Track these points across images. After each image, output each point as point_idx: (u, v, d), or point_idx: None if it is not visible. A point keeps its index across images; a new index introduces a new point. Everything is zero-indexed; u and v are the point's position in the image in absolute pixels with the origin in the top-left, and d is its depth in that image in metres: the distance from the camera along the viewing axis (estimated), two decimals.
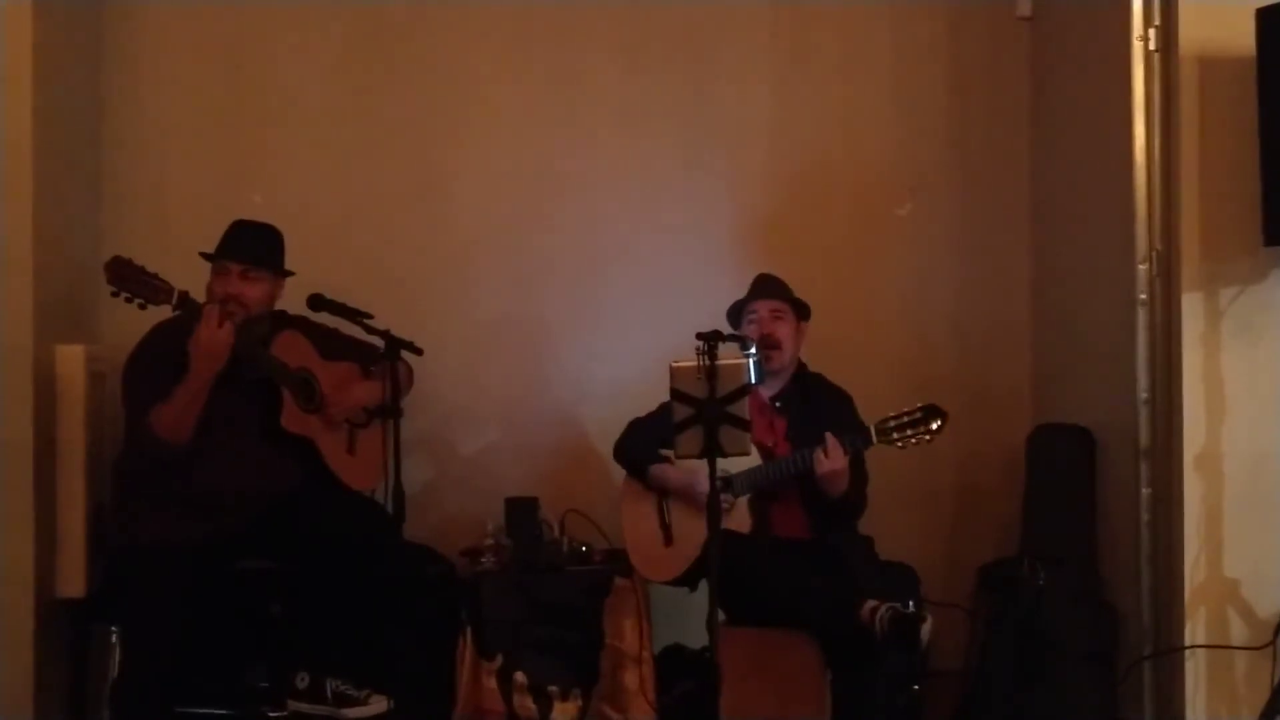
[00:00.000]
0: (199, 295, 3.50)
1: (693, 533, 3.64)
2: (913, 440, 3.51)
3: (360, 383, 3.81)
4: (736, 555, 3.28)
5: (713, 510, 2.98)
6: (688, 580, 3.73)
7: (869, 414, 3.58)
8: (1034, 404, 4.35)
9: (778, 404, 3.82)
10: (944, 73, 4.43)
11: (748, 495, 3.63)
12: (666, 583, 3.77)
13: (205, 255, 3.60)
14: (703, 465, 3.42)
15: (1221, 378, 3.40)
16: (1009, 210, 4.41)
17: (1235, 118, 3.33)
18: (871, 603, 3.32)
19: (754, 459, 3.53)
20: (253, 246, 3.61)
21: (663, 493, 3.75)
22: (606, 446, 3.92)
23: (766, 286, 3.84)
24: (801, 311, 3.84)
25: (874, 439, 3.53)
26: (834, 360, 4.06)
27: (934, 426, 3.50)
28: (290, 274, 3.70)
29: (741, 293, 3.87)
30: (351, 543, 3.52)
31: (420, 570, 3.84)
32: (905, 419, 3.51)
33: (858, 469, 3.64)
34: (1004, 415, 4.35)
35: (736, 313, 3.82)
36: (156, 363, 3.49)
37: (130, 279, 3.37)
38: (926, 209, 4.41)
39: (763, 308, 3.77)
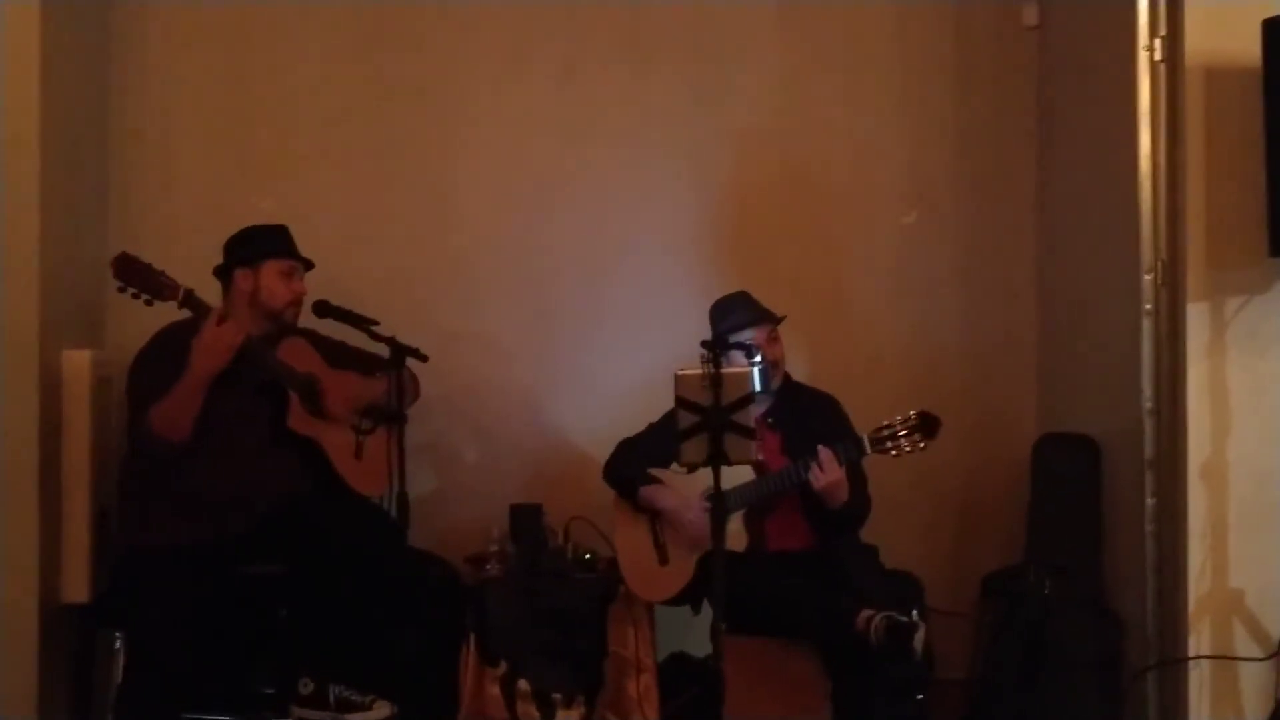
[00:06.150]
0: (206, 295, 3.51)
1: (687, 550, 3.64)
2: (906, 448, 3.47)
3: (363, 380, 3.79)
4: (733, 573, 3.25)
5: (716, 518, 2.97)
6: (687, 598, 3.70)
7: (872, 423, 3.56)
8: (1039, 413, 4.35)
9: (769, 420, 3.77)
10: (950, 81, 4.42)
11: (742, 511, 3.61)
12: (665, 602, 3.74)
13: (267, 254, 3.64)
14: (693, 489, 3.43)
15: (1227, 388, 3.40)
16: (1014, 219, 4.41)
17: (1241, 128, 3.33)
18: (867, 611, 3.30)
19: (746, 475, 3.52)
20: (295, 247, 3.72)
21: (654, 513, 3.74)
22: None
23: (751, 312, 3.74)
24: (779, 323, 3.79)
25: (868, 448, 3.51)
26: (838, 369, 4.07)
27: (927, 435, 3.46)
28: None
29: None
30: (357, 549, 3.52)
31: (424, 577, 3.84)
32: (900, 426, 3.48)
33: (856, 474, 3.62)
34: (1009, 424, 4.34)
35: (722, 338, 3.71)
36: (161, 361, 3.50)
37: (136, 275, 3.39)
38: (932, 218, 4.41)
39: (759, 335, 3.68)
